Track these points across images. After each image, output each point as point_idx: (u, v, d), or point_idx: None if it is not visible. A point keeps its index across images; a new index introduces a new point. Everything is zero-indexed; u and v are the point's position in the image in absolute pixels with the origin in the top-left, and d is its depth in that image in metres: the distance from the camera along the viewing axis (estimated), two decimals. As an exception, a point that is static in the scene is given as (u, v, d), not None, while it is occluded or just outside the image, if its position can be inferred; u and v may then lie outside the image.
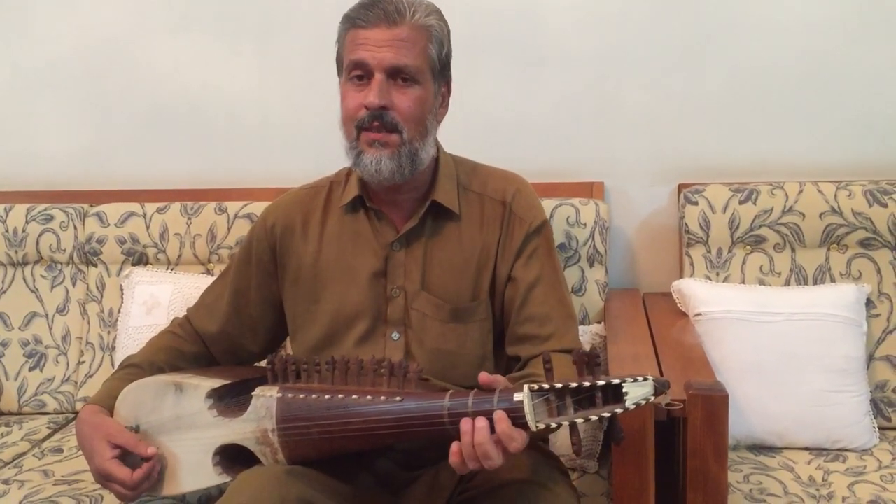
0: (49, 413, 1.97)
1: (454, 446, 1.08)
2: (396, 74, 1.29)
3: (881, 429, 1.70)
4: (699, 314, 1.73)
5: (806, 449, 1.64)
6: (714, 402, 1.29)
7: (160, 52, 2.12)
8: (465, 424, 1.07)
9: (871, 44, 1.91)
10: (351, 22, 1.31)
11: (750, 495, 1.47)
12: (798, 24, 1.93)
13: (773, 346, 1.65)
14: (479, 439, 1.06)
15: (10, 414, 1.98)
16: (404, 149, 1.30)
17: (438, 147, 1.43)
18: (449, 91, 1.41)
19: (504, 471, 1.27)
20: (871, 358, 1.74)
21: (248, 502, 1.13)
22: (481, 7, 2.00)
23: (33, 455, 1.75)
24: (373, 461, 1.34)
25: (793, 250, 1.82)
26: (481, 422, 1.06)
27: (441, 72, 1.36)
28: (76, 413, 1.94)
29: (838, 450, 1.64)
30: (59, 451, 1.76)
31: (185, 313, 1.53)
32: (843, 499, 1.46)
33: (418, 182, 1.37)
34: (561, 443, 1.64)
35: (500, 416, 1.05)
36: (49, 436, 1.85)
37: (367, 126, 1.30)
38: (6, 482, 1.61)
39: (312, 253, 1.42)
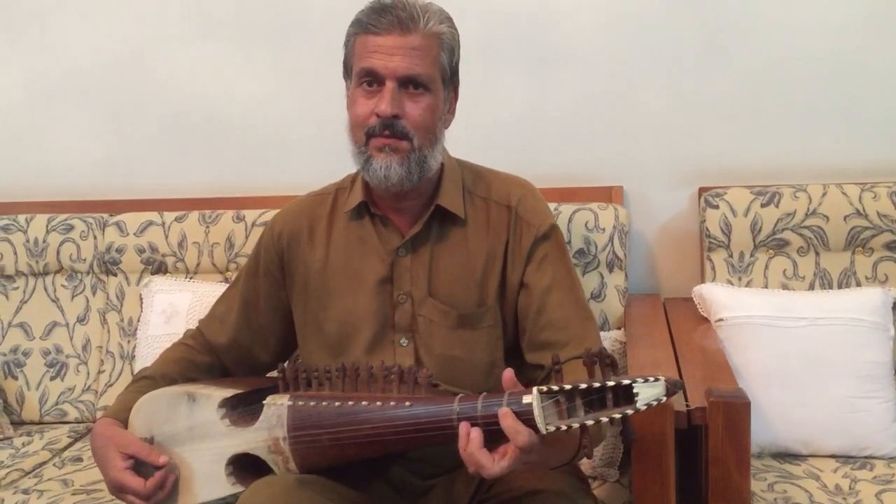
0: (70, 422, 1.98)
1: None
2: (408, 82, 1.28)
3: (910, 436, 1.66)
4: (721, 319, 1.70)
5: (832, 456, 1.61)
6: (736, 410, 1.27)
7: (177, 63, 2.13)
8: (463, 428, 1.07)
9: (894, 42, 1.88)
10: (362, 27, 1.30)
11: (774, 504, 1.45)
12: (820, 23, 1.90)
13: (798, 352, 1.63)
14: (471, 449, 1.05)
15: (32, 423, 1.99)
16: (414, 155, 1.29)
17: (443, 152, 1.41)
18: (456, 97, 1.40)
19: (522, 479, 1.26)
20: (898, 363, 1.71)
21: None
22: (497, 10, 1.99)
23: (53, 464, 1.76)
24: (387, 468, 1.33)
25: (817, 254, 1.79)
26: (475, 432, 1.06)
27: (451, 78, 1.35)
28: (94, 424, 1.95)
29: (865, 457, 1.60)
30: (79, 460, 1.77)
31: (197, 325, 1.53)
32: (871, 508, 1.43)
33: (423, 187, 1.36)
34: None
35: (504, 412, 1.04)
36: (69, 445, 1.86)
37: (378, 133, 1.29)
38: (26, 492, 1.62)
39: (319, 260, 1.41)
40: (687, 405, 1.30)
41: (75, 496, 1.59)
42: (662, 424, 1.26)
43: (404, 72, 1.27)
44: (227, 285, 1.54)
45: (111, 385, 1.96)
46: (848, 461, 1.60)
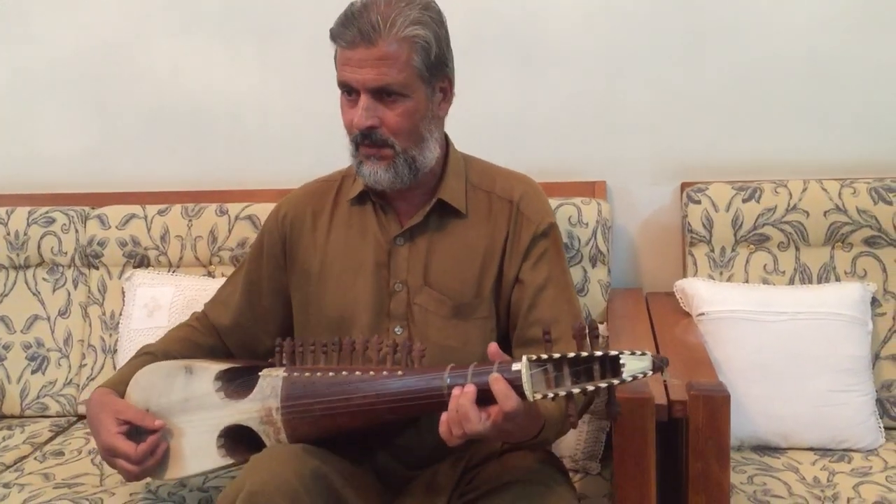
0: (51, 416, 1.96)
1: (443, 415, 1.10)
2: (380, 91, 1.29)
3: (887, 429, 1.68)
4: (702, 314, 1.71)
5: (811, 449, 1.63)
6: (716, 403, 1.28)
7: (161, 55, 2.12)
8: (455, 390, 1.10)
9: (875, 39, 1.89)
10: (334, 39, 1.31)
11: (754, 496, 1.46)
12: (801, 20, 1.91)
13: (778, 346, 1.64)
14: (462, 400, 1.08)
15: (13, 417, 1.97)
16: (399, 159, 1.32)
17: (449, 144, 1.44)
18: (451, 83, 1.39)
19: (505, 472, 1.29)
20: (876, 357, 1.72)
21: (267, 474, 1.15)
22: (482, 7, 1.99)
23: (34, 458, 1.75)
24: (373, 455, 1.35)
25: (797, 249, 1.81)
26: (470, 386, 1.09)
27: (434, 74, 1.33)
28: (78, 416, 1.95)
29: (844, 450, 1.62)
30: (61, 454, 1.76)
31: (203, 308, 1.55)
32: (849, 500, 1.45)
33: (425, 179, 1.38)
34: (564, 444, 1.63)
35: (495, 377, 1.07)
36: (51, 439, 1.85)
37: (360, 143, 1.32)
38: (6, 486, 1.61)
39: (321, 245, 1.43)
40: (668, 398, 1.31)
41: (57, 490, 1.58)
42: (643, 417, 1.27)
43: (373, 84, 1.28)
44: (214, 278, 1.56)
45: (93, 379, 1.95)
46: (826, 454, 1.61)
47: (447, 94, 1.38)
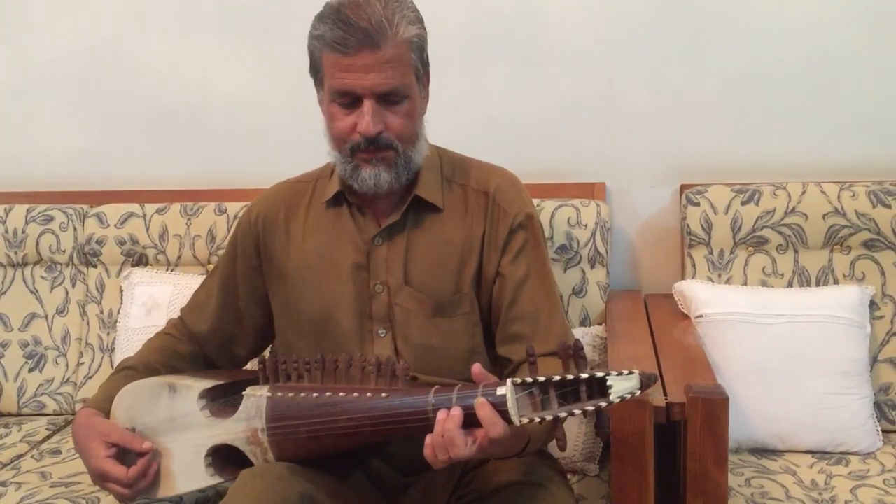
0: (48, 414, 1.96)
1: (427, 438, 1.08)
2: (387, 95, 1.27)
3: (885, 432, 1.68)
4: (701, 316, 1.71)
5: (808, 452, 1.63)
6: (714, 405, 1.28)
7: (159, 53, 2.12)
8: (441, 414, 1.08)
9: (875, 42, 1.90)
10: (328, 46, 1.25)
11: (751, 499, 1.46)
12: (801, 22, 1.91)
13: (776, 349, 1.64)
14: (448, 425, 1.06)
15: (10, 415, 1.97)
16: (400, 160, 1.30)
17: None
18: (429, 80, 1.36)
19: (501, 473, 1.28)
20: (874, 360, 1.73)
21: (253, 498, 1.13)
22: (481, 6, 1.99)
23: (31, 457, 1.75)
24: (367, 461, 1.34)
25: (795, 252, 1.81)
26: (456, 410, 1.07)
27: (424, 71, 1.33)
28: (76, 414, 1.94)
29: (841, 453, 1.62)
30: (58, 452, 1.76)
31: (179, 314, 1.53)
32: (846, 503, 1.45)
33: None
34: (561, 445, 1.63)
35: (481, 402, 1.06)
36: (48, 437, 1.85)
37: (363, 149, 1.28)
38: (3, 484, 1.61)
39: (297, 248, 1.41)
40: (666, 400, 1.31)
41: (53, 488, 1.58)
42: (641, 420, 1.27)
43: (382, 88, 1.25)
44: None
45: (90, 377, 1.95)
46: (824, 457, 1.61)
47: (426, 91, 1.36)
